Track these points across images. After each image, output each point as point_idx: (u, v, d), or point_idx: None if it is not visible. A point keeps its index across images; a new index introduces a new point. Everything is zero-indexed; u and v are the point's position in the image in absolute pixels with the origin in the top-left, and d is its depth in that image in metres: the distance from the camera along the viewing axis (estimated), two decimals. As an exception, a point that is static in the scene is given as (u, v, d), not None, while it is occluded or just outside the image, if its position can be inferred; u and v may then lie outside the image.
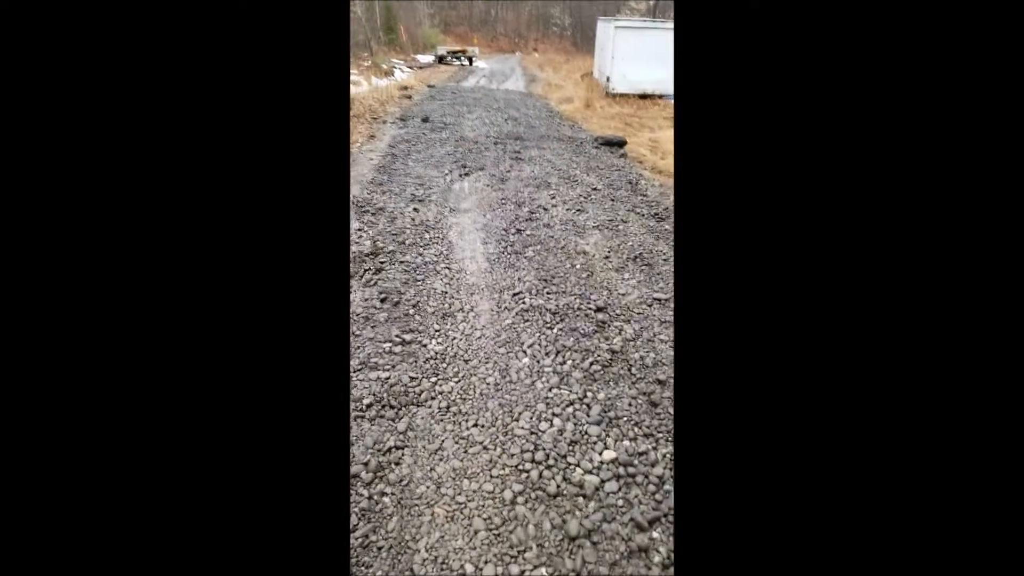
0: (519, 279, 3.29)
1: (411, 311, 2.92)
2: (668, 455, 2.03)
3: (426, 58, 19.64)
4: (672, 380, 2.43)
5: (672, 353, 2.63)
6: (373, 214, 4.25)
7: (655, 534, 1.73)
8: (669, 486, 1.89)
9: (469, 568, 1.60)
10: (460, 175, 5.45)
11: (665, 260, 3.64)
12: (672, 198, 4.98)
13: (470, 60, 19.94)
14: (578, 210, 4.51)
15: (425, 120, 8.14)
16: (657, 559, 1.65)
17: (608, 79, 11.13)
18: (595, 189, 5.09)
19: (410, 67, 15.96)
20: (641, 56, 10.59)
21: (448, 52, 20.07)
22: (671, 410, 2.26)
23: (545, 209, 4.50)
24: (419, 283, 3.22)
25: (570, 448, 2.04)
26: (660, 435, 2.12)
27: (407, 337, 2.68)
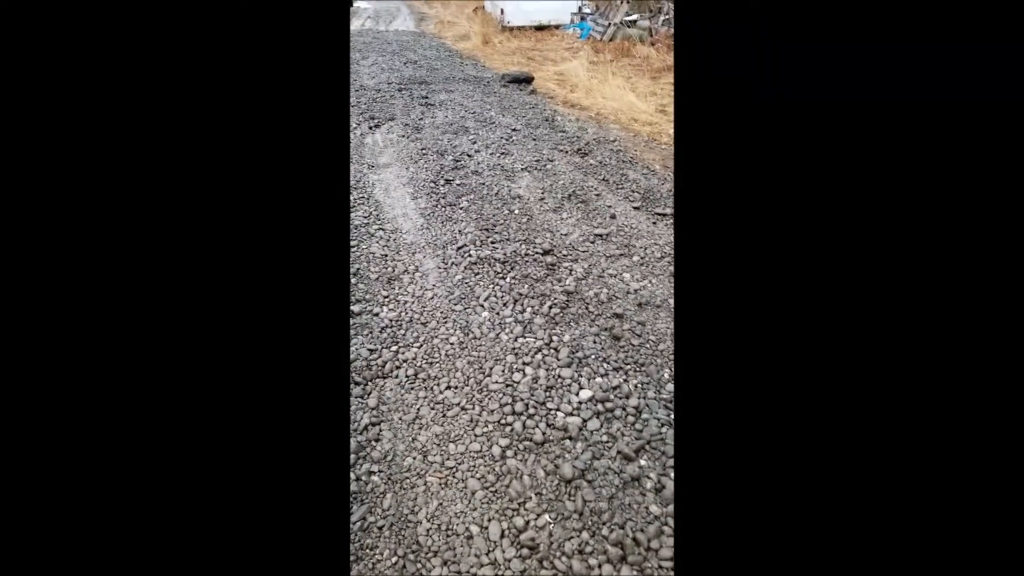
0: (460, 232, 3.18)
1: (352, 280, 2.75)
2: (639, 384, 2.10)
3: (300, 0, 17.84)
4: (628, 313, 2.49)
5: (623, 286, 2.69)
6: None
7: (643, 462, 1.80)
8: (647, 414, 1.97)
9: (475, 529, 1.59)
10: (370, 127, 5.09)
11: (598, 195, 3.66)
12: (592, 132, 4.97)
13: (350, 1, 18.41)
14: (503, 153, 4.39)
15: (316, 70, 7.46)
16: (649, 485, 1.73)
17: (502, 12, 10.66)
18: (514, 130, 4.96)
19: (284, 11, 14.43)
20: (535, -14, 10.23)
21: (324, -8, 18.36)
22: (633, 342, 2.33)
23: (469, 156, 4.33)
24: (354, 249, 3.03)
25: (547, 394, 2.05)
26: (628, 367, 2.19)
27: (355, 308, 2.53)
